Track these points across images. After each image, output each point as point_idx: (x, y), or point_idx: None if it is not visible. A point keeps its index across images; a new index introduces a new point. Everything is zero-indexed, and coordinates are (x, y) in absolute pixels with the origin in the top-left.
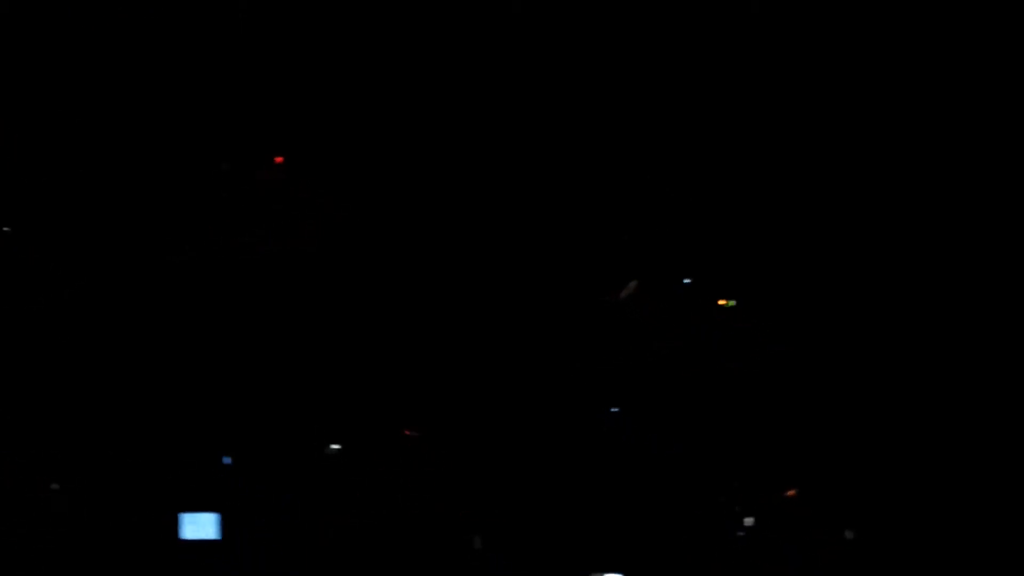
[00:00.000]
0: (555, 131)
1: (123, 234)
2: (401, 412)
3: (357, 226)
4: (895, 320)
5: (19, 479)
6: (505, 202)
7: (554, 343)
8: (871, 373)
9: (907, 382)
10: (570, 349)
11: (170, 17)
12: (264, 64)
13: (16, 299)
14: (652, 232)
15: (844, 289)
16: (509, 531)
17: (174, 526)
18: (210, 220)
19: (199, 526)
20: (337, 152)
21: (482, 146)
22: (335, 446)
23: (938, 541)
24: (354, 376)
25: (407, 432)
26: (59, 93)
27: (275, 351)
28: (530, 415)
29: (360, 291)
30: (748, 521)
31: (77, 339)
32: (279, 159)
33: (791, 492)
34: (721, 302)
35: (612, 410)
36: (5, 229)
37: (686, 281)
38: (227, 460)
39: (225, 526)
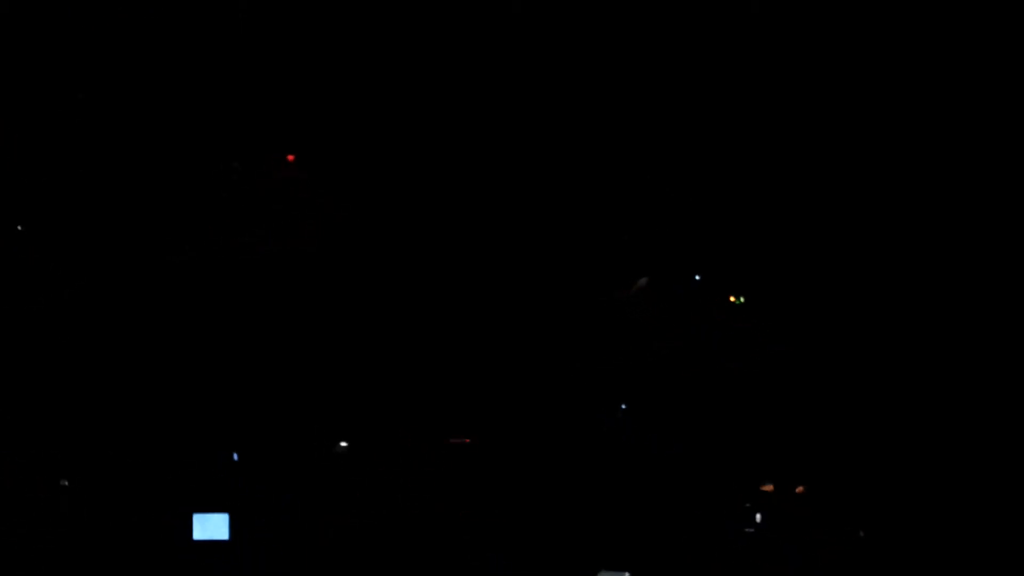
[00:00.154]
0: (555, 131)
1: (123, 234)
2: (401, 412)
3: (357, 226)
4: (895, 320)
5: (25, 480)
6: (506, 202)
7: (556, 342)
8: (871, 373)
9: (907, 382)
10: (576, 347)
11: (169, 18)
12: (264, 66)
13: (16, 299)
14: (656, 231)
15: (844, 289)
16: (509, 531)
17: (186, 527)
18: (210, 220)
19: (210, 526)
20: (337, 152)
21: (483, 146)
22: (343, 444)
23: (939, 541)
24: (354, 376)
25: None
26: (59, 94)
27: (275, 351)
28: (532, 414)
29: (360, 291)
30: (758, 517)
31: (77, 339)
32: (291, 157)
33: (799, 489)
34: (731, 299)
35: (622, 407)
36: (18, 228)
37: (696, 278)
38: (235, 456)
39: (235, 526)
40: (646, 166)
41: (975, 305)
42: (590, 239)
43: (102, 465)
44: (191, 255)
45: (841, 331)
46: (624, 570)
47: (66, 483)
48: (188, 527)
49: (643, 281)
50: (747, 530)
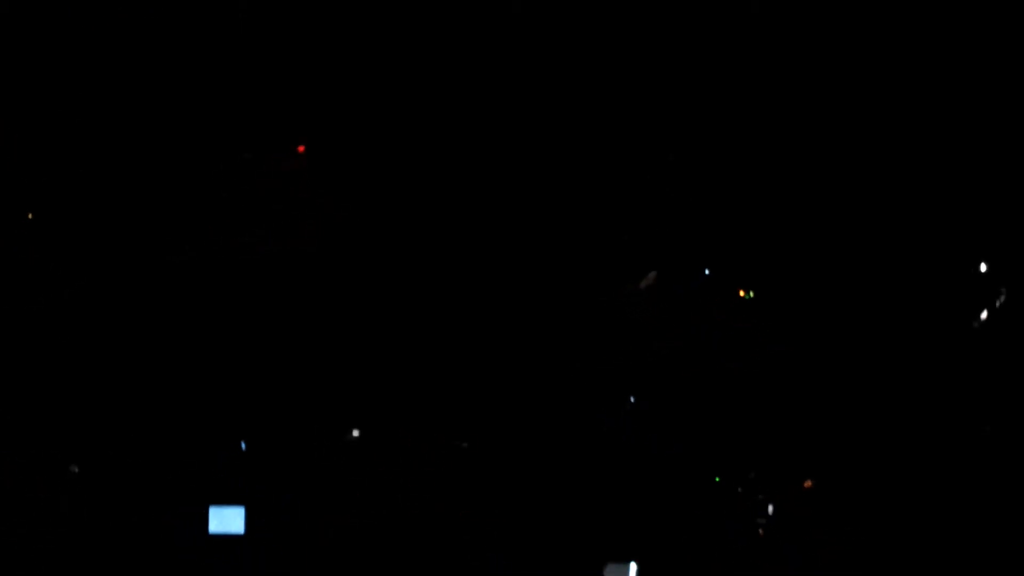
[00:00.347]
0: (556, 131)
1: (123, 234)
2: (402, 412)
3: (357, 226)
4: (895, 320)
5: (26, 480)
6: (506, 201)
7: (558, 340)
8: (871, 373)
9: (907, 382)
10: (580, 343)
11: (167, 19)
12: (262, 65)
13: (16, 299)
14: (656, 231)
15: (844, 289)
16: (510, 530)
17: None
18: (210, 220)
19: (225, 520)
20: (337, 152)
21: (483, 146)
22: (356, 432)
23: (938, 541)
24: (354, 375)
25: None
26: (59, 92)
27: (275, 351)
28: (534, 413)
29: (360, 291)
30: (769, 508)
31: (77, 339)
32: (301, 148)
33: (807, 483)
34: (740, 293)
35: (631, 399)
36: (29, 216)
37: (706, 272)
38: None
39: (250, 520)
40: (646, 166)
41: (977, 305)
42: (590, 239)
43: (111, 462)
44: (191, 255)
45: (842, 331)
46: (637, 560)
47: (76, 469)
48: (203, 520)
49: (652, 275)
50: (768, 518)
